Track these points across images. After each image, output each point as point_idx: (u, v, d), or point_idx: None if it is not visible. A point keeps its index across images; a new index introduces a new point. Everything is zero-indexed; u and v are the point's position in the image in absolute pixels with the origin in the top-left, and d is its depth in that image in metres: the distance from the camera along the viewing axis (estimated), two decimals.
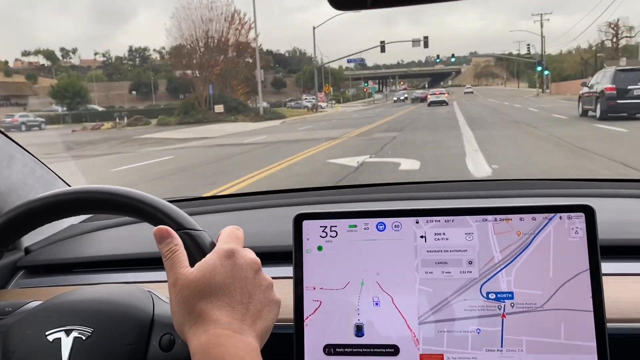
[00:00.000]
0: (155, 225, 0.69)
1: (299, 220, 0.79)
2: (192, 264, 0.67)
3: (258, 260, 0.69)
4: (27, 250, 1.23)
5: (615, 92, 13.51)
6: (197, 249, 0.69)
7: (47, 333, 0.73)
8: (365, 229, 0.78)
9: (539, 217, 0.74)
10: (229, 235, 0.70)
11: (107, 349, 0.71)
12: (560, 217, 0.74)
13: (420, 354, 0.74)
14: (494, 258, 0.75)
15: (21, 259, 1.20)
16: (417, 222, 0.77)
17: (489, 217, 0.75)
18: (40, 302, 0.89)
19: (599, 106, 14.16)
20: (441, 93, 39.29)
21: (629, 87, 13.33)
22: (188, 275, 0.64)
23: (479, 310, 0.74)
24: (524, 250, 0.74)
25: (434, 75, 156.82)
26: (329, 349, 0.76)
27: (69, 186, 0.79)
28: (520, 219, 0.75)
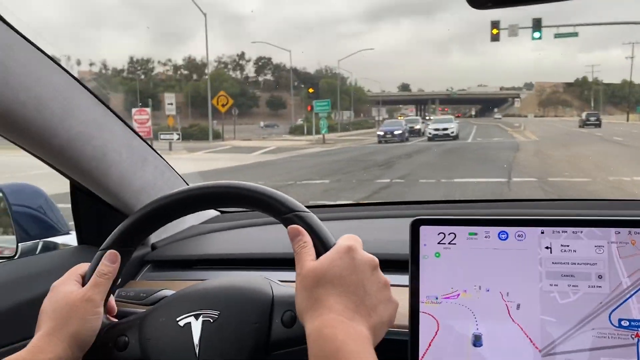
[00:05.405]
0: (281, 219, 0.76)
1: (416, 225, 0.78)
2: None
3: (376, 259, 0.72)
4: (154, 247, 1.33)
5: None
6: (321, 246, 0.73)
7: (178, 319, 0.78)
8: (486, 237, 0.76)
9: None
10: (349, 236, 0.75)
11: (234, 329, 0.76)
12: None
13: None
14: (622, 283, 0.70)
15: (148, 254, 1.30)
16: (542, 232, 0.74)
17: (613, 239, 0.71)
18: (168, 290, 0.96)
19: None
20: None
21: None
22: (310, 266, 0.70)
23: (609, 339, 0.70)
24: None
25: (484, 101, 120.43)
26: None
27: None
28: None
